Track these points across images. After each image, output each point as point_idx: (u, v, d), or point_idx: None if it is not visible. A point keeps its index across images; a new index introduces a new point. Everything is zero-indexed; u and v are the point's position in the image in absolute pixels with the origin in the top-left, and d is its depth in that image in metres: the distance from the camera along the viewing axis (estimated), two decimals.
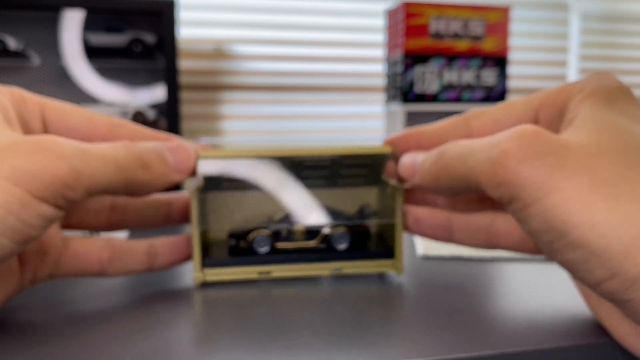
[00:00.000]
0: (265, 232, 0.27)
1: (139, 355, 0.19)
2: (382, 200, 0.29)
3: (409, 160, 0.25)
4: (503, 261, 0.33)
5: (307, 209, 0.28)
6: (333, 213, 0.28)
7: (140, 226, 0.29)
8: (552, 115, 0.22)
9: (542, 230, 0.18)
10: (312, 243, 0.27)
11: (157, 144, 0.24)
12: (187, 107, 0.90)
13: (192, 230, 0.26)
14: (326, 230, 0.27)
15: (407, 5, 0.60)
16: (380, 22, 0.99)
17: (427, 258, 0.34)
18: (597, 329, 0.22)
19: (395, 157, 0.26)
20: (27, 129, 0.23)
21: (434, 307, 0.24)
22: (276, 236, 0.27)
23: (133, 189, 0.23)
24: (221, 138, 0.95)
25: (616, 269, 0.17)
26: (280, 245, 0.27)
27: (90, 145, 0.21)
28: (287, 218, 0.27)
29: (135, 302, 0.26)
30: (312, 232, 0.28)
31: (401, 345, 0.20)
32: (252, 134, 0.98)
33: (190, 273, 0.30)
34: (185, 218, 0.28)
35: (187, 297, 0.26)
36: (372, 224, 0.30)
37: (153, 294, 0.27)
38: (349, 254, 0.27)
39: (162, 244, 0.28)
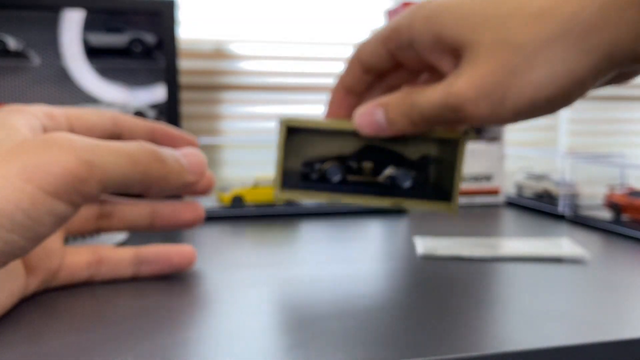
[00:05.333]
0: (338, 163, 0.29)
1: (139, 355, 0.20)
2: (442, 149, 0.30)
3: (368, 119, 0.26)
4: (503, 261, 0.33)
5: (374, 151, 0.29)
6: (397, 156, 0.30)
7: (126, 230, 0.29)
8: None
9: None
10: (379, 179, 0.29)
11: (170, 150, 0.24)
12: (187, 107, 0.90)
13: (278, 154, 0.28)
14: (391, 171, 0.29)
15: (407, 5, 0.60)
16: (380, 22, 0.99)
17: (427, 258, 0.34)
18: (597, 329, 0.22)
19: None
20: None
21: (433, 307, 0.24)
22: (347, 169, 0.29)
23: (150, 184, 0.22)
24: (221, 138, 0.95)
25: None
26: (351, 177, 0.29)
27: (103, 141, 0.21)
28: (358, 154, 0.29)
29: (135, 302, 0.26)
30: (379, 170, 0.29)
31: (401, 345, 0.20)
32: (252, 134, 0.98)
33: (193, 273, 0.30)
34: (167, 227, 0.29)
35: (188, 298, 0.26)
36: (432, 172, 0.31)
37: (153, 294, 0.27)
38: (411, 192, 0.29)
39: (149, 253, 0.28)
